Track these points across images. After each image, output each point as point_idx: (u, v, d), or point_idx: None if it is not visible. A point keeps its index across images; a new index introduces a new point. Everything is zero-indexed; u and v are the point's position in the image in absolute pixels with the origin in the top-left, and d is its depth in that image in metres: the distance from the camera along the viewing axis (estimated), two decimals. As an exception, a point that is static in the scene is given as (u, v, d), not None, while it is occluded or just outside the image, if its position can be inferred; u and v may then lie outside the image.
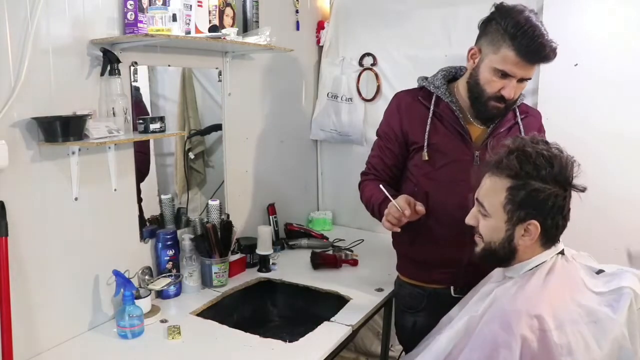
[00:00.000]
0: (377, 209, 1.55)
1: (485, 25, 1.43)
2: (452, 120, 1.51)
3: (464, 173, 1.47)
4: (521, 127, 1.52)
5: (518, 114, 1.53)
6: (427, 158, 1.51)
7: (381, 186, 1.46)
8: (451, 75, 1.59)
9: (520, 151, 1.15)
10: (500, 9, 1.39)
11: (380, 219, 1.48)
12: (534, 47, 1.33)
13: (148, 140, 1.73)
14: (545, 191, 1.12)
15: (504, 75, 1.39)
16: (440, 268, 1.54)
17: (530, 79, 1.42)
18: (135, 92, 1.64)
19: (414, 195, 1.53)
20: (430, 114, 1.52)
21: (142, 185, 1.69)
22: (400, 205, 1.40)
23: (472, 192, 1.45)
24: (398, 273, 1.71)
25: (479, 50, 1.45)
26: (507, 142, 1.20)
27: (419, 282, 1.62)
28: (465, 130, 1.49)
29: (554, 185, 1.13)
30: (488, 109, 1.46)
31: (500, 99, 1.42)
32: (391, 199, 1.42)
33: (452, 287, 1.54)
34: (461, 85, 1.53)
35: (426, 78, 1.60)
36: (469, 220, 1.26)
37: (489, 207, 1.18)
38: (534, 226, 1.14)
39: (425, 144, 1.51)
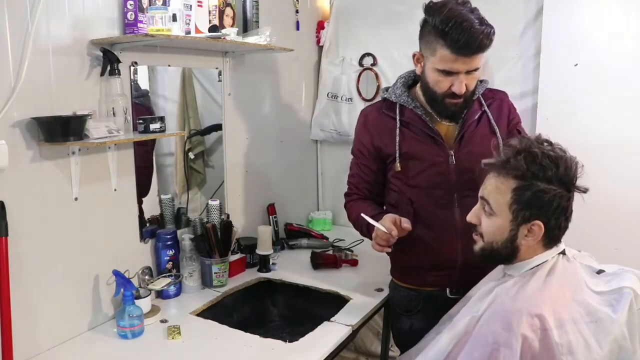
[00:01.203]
0: (366, 230, 1.54)
1: (421, 28, 1.43)
2: (421, 125, 1.50)
3: (442, 175, 1.47)
4: (489, 114, 1.50)
5: (483, 102, 1.52)
6: (399, 169, 1.50)
7: (362, 215, 1.45)
8: (411, 80, 1.58)
9: (527, 152, 1.15)
10: (427, 9, 1.38)
11: (370, 238, 1.47)
12: (466, 40, 1.31)
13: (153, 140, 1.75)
14: (550, 192, 1.12)
15: (448, 73, 1.38)
16: (434, 271, 1.53)
17: (477, 68, 1.40)
18: (144, 99, 1.67)
19: (399, 203, 1.53)
20: (398, 124, 1.51)
21: (141, 185, 1.69)
22: (387, 227, 1.39)
23: (454, 192, 1.46)
24: (392, 277, 1.70)
25: (422, 55, 1.44)
26: (514, 142, 1.19)
27: (413, 286, 1.60)
28: (435, 132, 1.48)
29: (559, 186, 1.13)
30: (447, 107, 1.45)
31: (454, 95, 1.41)
32: (376, 223, 1.41)
33: (447, 289, 1.53)
34: (419, 89, 1.53)
35: (387, 89, 1.59)
36: (471, 218, 1.25)
37: (495, 206, 1.18)
38: (538, 227, 1.14)
39: (397, 154, 1.50)
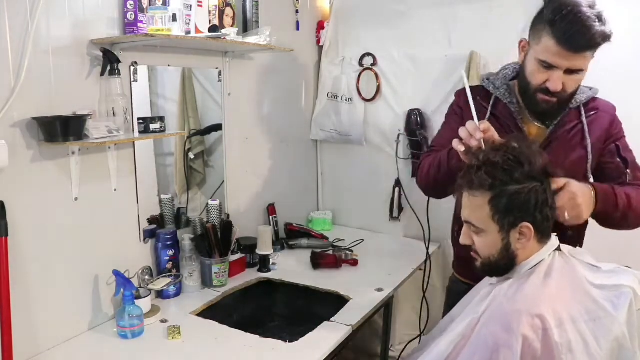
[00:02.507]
0: (446, 153, 1.41)
1: (535, 18, 1.37)
2: (510, 122, 1.44)
3: None
4: (585, 127, 1.41)
5: (583, 112, 1.42)
6: None
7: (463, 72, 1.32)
8: (515, 72, 1.51)
9: (486, 165, 1.15)
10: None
11: (454, 161, 1.34)
12: (573, 33, 1.23)
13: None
14: (524, 191, 1.12)
15: (548, 66, 1.31)
16: None
17: (581, 70, 1.31)
18: None
19: None
20: (488, 115, 1.45)
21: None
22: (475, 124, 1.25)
23: None
24: (453, 270, 1.70)
25: (528, 43, 1.39)
26: (472, 161, 1.18)
27: (474, 282, 1.56)
28: (523, 133, 1.42)
29: (530, 181, 1.13)
30: (537, 103, 1.37)
31: (547, 91, 1.33)
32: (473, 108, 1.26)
33: None
34: (517, 82, 1.48)
35: (489, 77, 1.53)
36: (464, 240, 1.25)
37: (478, 223, 1.18)
38: (527, 228, 1.14)
39: None
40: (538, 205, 1.14)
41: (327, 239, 2.33)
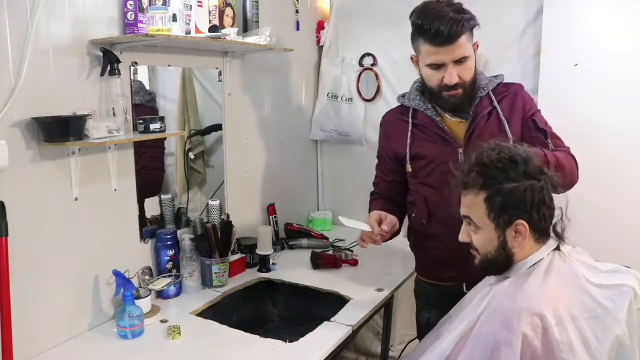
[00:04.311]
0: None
1: (410, 35, 1.49)
2: (431, 126, 1.54)
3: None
4: (499, 109, 1.50)
5: (494, 97, 1.52)
6: (410, 170, 1.57)
7: (340, 217, 1.57)
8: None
9: (478, 165, 1.16)
10: (411, 12, 1.45)
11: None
12: (436, 29, 1.36)
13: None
14: (520, 189, 1.13)
15: (437, 66, 1.43)
16: (450, 266, 1.55)
17: (463, 57, 1.41)
18: (153, 102, 1.73)
19: (416, 201, 1.60)
20: (410, 127, 1.57)
21: (153, 185, 1.73)
22: (370, 225, 1.53)
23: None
24: (416, 272, 1.76)
25: (416, 57, 1.51)
26: (463, 166, 1.21)
27: (433, 280, 1.66)
28: (444, 132, 1.52)
29: (526, 179, 1.13)
30: (446, 100, 1.49)
31: (447, 87, 1.44)
32: (352, 224, 1.54)
33: (464, 284, 1.53)
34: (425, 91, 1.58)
35: (404, 95, 1.64)
36: (462, 238, 1.26)
37: (476, 220, 1.19)
38: (522, 225, 1.14)
39: (408, 156, 1.56)
40: (534, 203, 1.14)
41: (327, 239, 2.33)
